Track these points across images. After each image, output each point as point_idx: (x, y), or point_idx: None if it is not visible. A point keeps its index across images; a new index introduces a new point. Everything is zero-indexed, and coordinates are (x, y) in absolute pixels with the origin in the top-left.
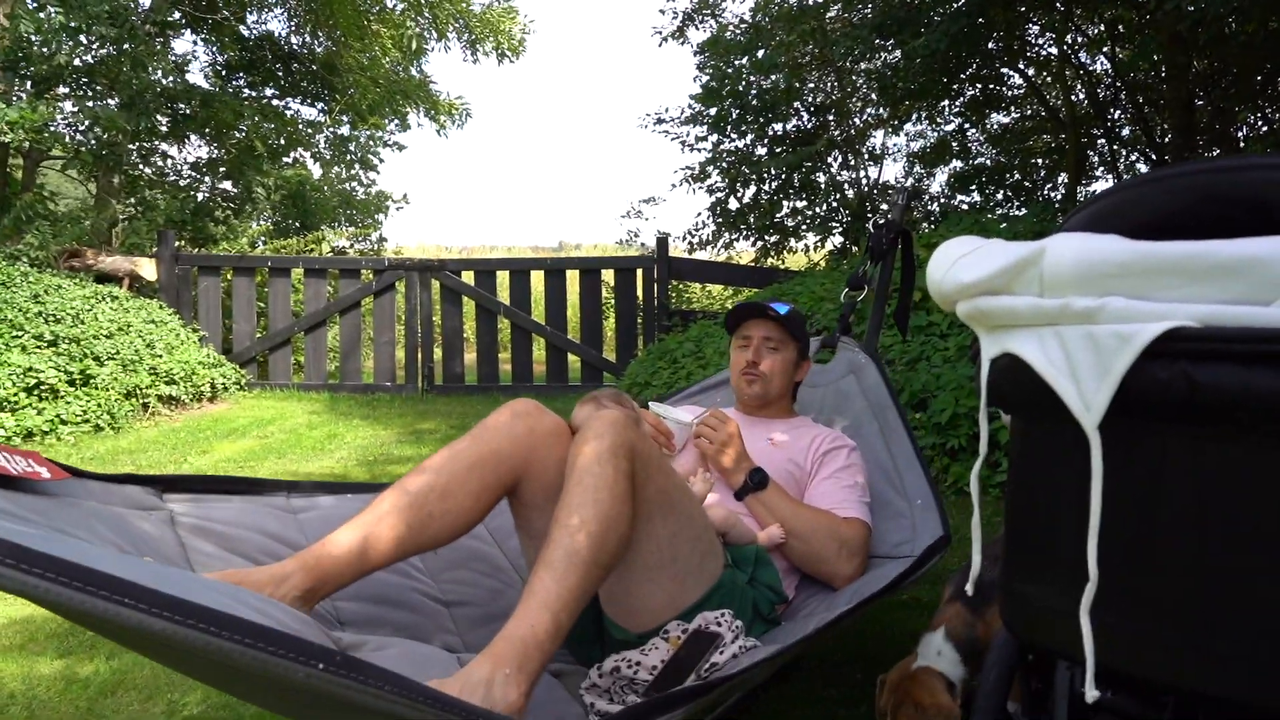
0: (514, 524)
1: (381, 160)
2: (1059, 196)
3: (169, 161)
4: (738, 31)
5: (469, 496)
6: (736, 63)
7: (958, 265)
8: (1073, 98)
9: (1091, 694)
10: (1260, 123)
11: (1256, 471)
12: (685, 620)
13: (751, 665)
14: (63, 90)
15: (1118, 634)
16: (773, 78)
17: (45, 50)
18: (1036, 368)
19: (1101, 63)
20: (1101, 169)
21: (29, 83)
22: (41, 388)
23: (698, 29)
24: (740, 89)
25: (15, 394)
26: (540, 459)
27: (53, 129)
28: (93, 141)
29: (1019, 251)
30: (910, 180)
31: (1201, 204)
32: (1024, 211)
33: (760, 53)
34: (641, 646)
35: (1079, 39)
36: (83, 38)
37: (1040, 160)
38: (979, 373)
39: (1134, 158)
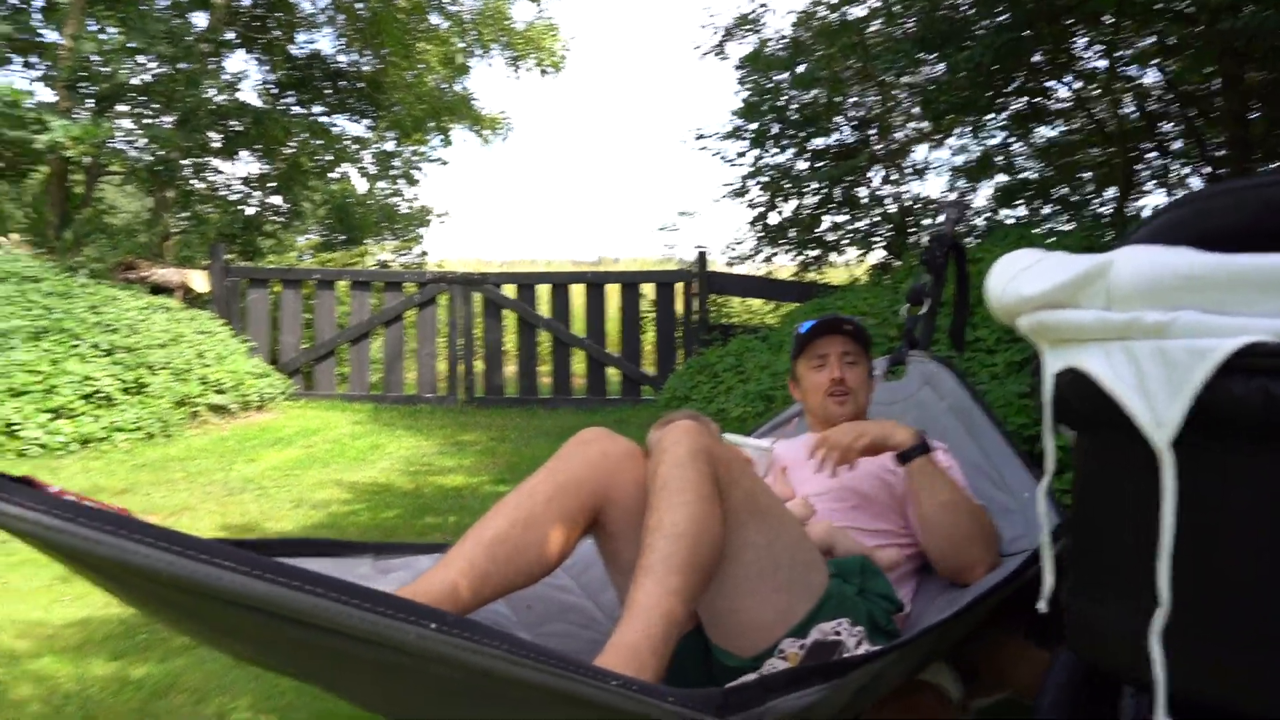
0: (603, 564)
1: (424, 175)
2: (1107, 211)
3: (220, 176)
4: (778, 46)
5: (552, 526)
6: (777, 78)
7: (1019, 278)
8: (1121, 111)
9: None
10: None
11: None
12: (799, 636)
13: (890, 647)
14: (121, 108)
15: (1188, 659)
16: (813, 92)
17: (105, 69)
18: (1104, 383)
19: (1152, 75)
20: (1152, 183)
21: (90, 100)
22: (98, 395)
23: (738, 44)
24: (780, 104)
25: (73, 401)
26: (619, 483)
27: (111, 145)
28: (149, 157)
29: (1084, 264)
30: (954, 193)
31: (1273, 216)
32: (1071, 226)
33: (801, 67)
34: (758, 669)
35: (1128, 51)
36: (141, 57)
37: (1088, 174)
38: (1042, 389)
39: (1185, 171)
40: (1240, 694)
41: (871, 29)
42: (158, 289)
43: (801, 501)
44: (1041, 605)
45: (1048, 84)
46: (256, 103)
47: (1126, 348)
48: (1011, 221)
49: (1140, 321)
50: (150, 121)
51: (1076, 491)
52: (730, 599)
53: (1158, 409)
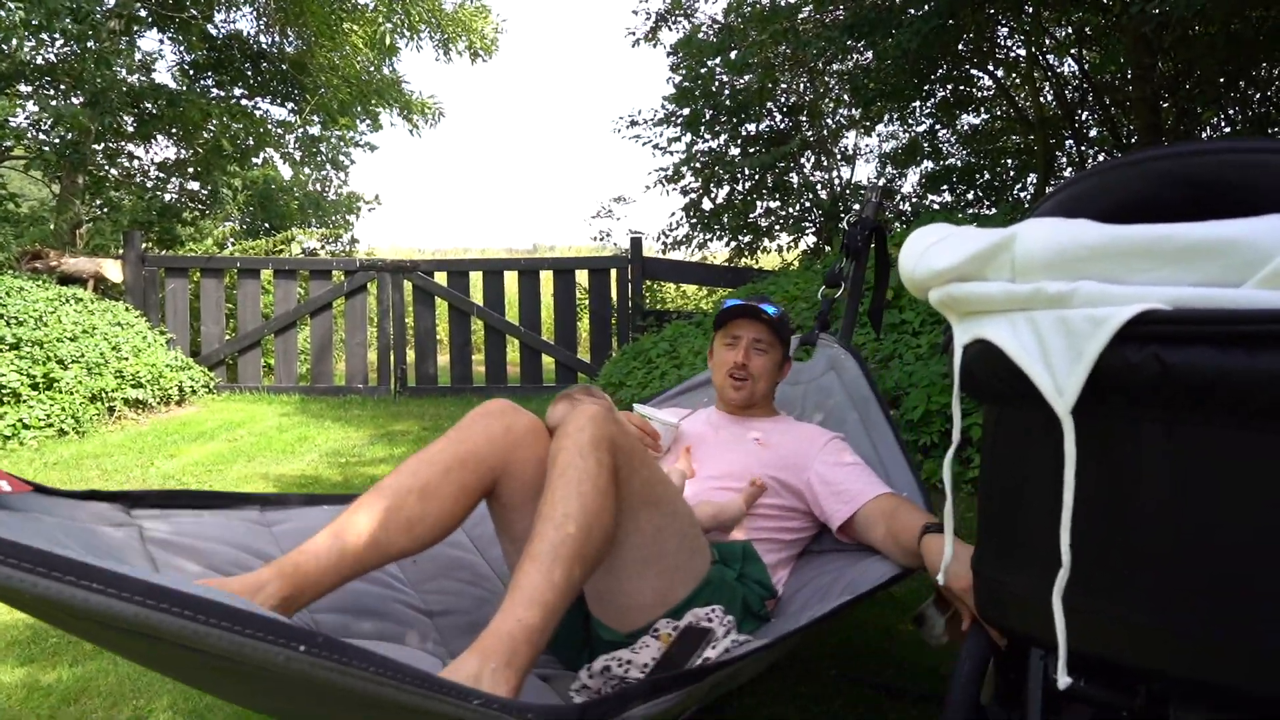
0: (494, 529)
1: (352, 161)
2: (1028, 196)
3: (135, 162)
4: (710, 32)
5: (448, 499)
6: (709, 63)
7: (930, 252)
8: (1041, 99)
9: (1064, 680)
10: (1224, 123)
11: (1229, 454)
12: (675, 617)
13: (748, 653)
14: (24, 89)
15: (1091, 619)
16: (745, 78)
17: (4, 47)
18: (1009, 353)
19: (1069, 65)
20: (1070, 169)
21: None
22: (3, 391)
23: (670, 30)
24: (713, 89)
25: None
26: (518, 459)
27: (14, 126)
28: (55, 141)
29: (991, 237)
30: (882, 180)
31: (1171, 188)
32: (994, 211)
33: (733, 53)
34: (632, 645)
35: (1047, 41)
36: (44, 35)
37: (1010, 160)
38: (952, 360)
39: (1101, 158)
40: (1139, 652)
41: (802, 15)
42: (68, 279)
43: (679, 471)
44: (939, 577)
45: (972, 72)
46: (172, 84)
47: (1030, 318)
48: (937, 206)
49: (1043, 292)
50: (56, 103)
51: (984, 461)
52: (614, 579)
53: (1059, 377)
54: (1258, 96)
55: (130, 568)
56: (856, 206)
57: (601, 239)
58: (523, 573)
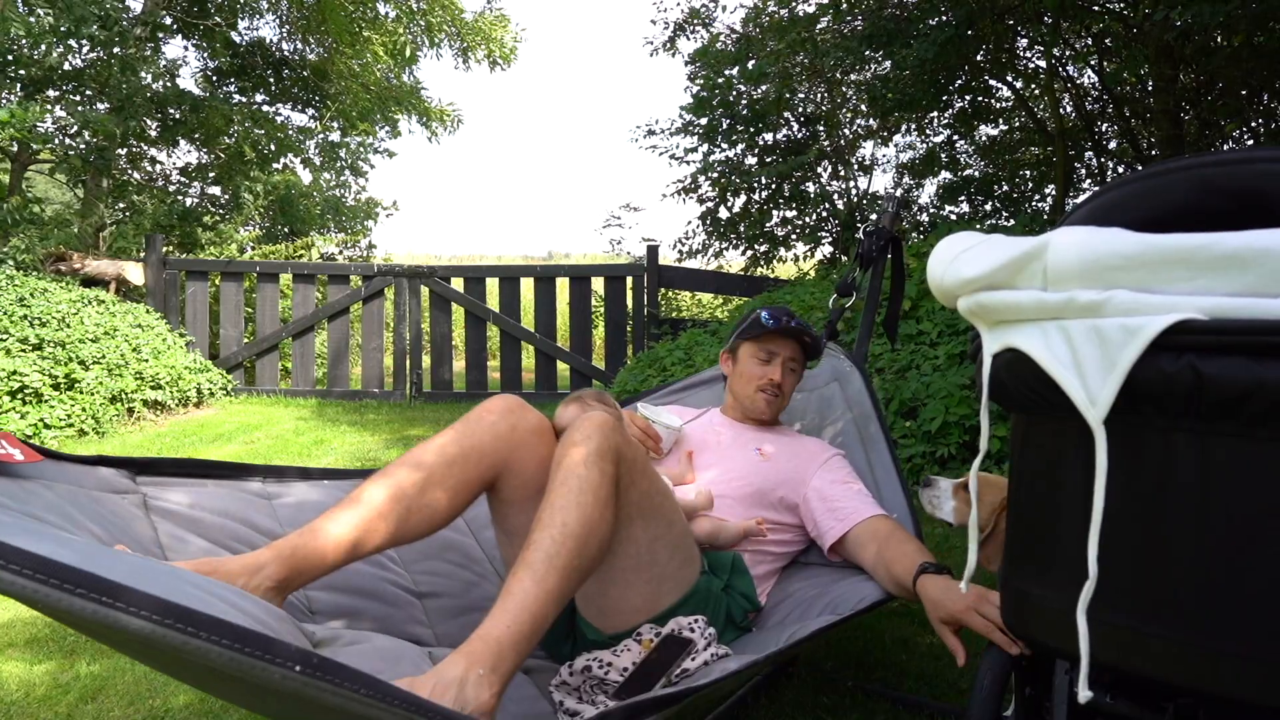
0: (490, 518)
1: (372, 167)
2: (1047, 208)
3: (158, 166)
4: (728, 42)
5: (448, 491)
6: (727, 73)
7: (959, 260)
8: (1060, 110)
9: (1085, 694)
10: (1246, 135)
11: (1264, 466)
12: (659, 624)
13: (722, 677)
14: (52, 94)
15: (1120, 632)
16: (763, 88)
17: (34, 53)
18: (1040, 362)
19: (1089, 76)
20: (1089, 181)
21: (18, 85)
22: (25, 391)
23: (689, 39)
24: (730, 99)
25: None
26: (521, 457)
27: (41, 130)
28: (81, 145)
29: (1022, 245)
30: (900, 190)
31: (1204, 197)
32: (1012, 223)
33: (750, 63)
34: (614, 647)
35: (1067, 52)
36: (72, 41)
37: (1028, 172)
38: (980, 369)
39: (1121, 170)
40: (1168, 667)
41: (820, 25)
42: (91, 281)
43: (708, 494)
44: (963, 585)
45: (991, 83)
46: (196, 90)
47: (1062, 327)
48: (954, 217)
49: (1075, 301)
50: (83, 108)
51: (1013, 472)
52: (604, 583)
53: (1091, 387)
54: None
55: (133, 546)
56: (874, 216)
57: (614, 247)
58: (516, 580)
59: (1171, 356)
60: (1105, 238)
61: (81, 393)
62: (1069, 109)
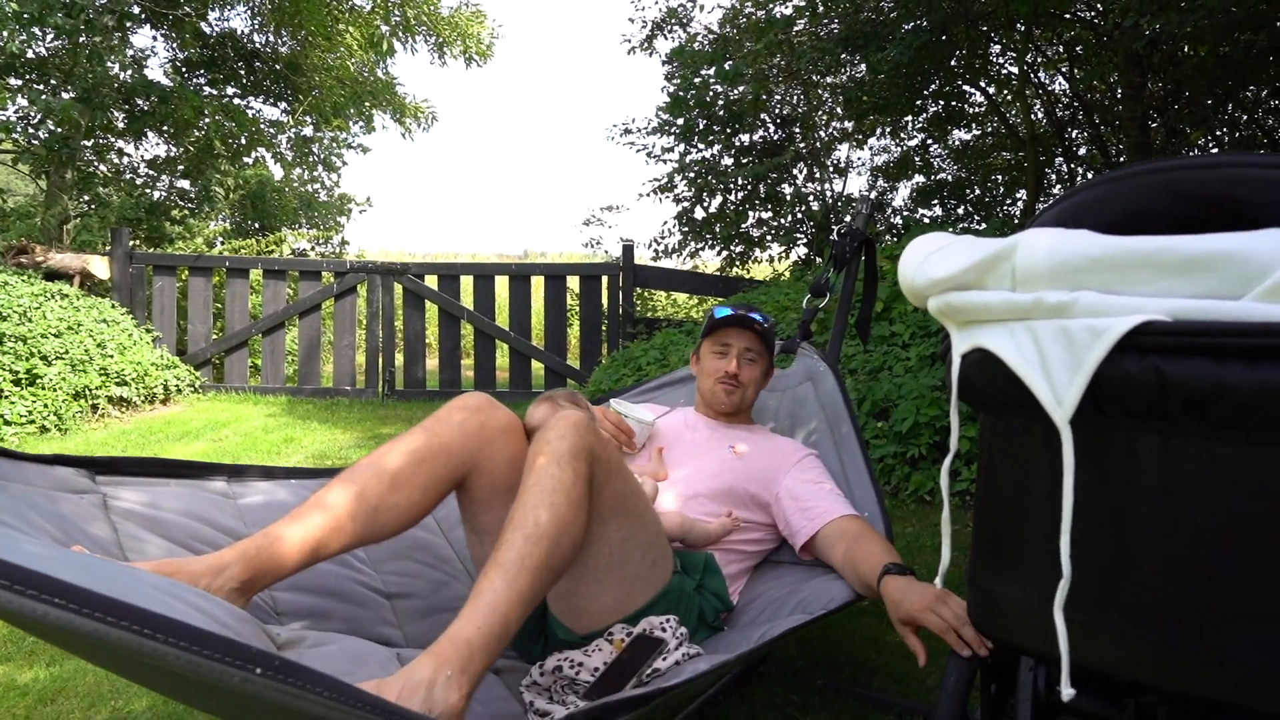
0: (460, 517)
1: (345, 163)
2: (1018, 212)
3: (125, 159)
4: (705, 42)
5: (417, 490)
6: (704, 73)
7: (930, 260)
8: (1032, 116)
9: (1068, 692)
10: (1211, 144)
11: (1226, 466)
12: (630, 624)
13: (693, 677)
14: (15, 82)
15: (1082, 630)
16: (740, 89)
17: None
18: (1008, 362)
19: (1060, 82)
20: (1059, 186)
21: None
22: None
23: (666, 39)
24: (707, 99)
25: None
26: (491, 455)
27: (3, 119)
28: (45, 135)
29: (992, 246)
30: (874, 192)
31: (1170, 201)
32: (984, 226)
33: (727, 63)
34: (585, 647)
35: (1038, 59)
36: (36, 29)
37: (1000, 176)
38: (950, 368)
39: (1090, 175)
40: (1130, 664)
41: (797, 28)
42: (54, 275)
43: (651, 481)
44: (937, 582)
45: (964, 88)
46: (165, 81)
47: (1030, 327)
48: (928, 220)
49: (1043, 302)
50: (46, 97)
51: (981, 471)
52: (576, 583)
53: (1058, 387)
54: (1244, 119)
55: (92, 548)
56: (848, 218)
57: (592, 246)
58: (486, 580)
59: (1136, 357)
60: (1073, 240)
61: (44, 389)
62: (1040, 115)
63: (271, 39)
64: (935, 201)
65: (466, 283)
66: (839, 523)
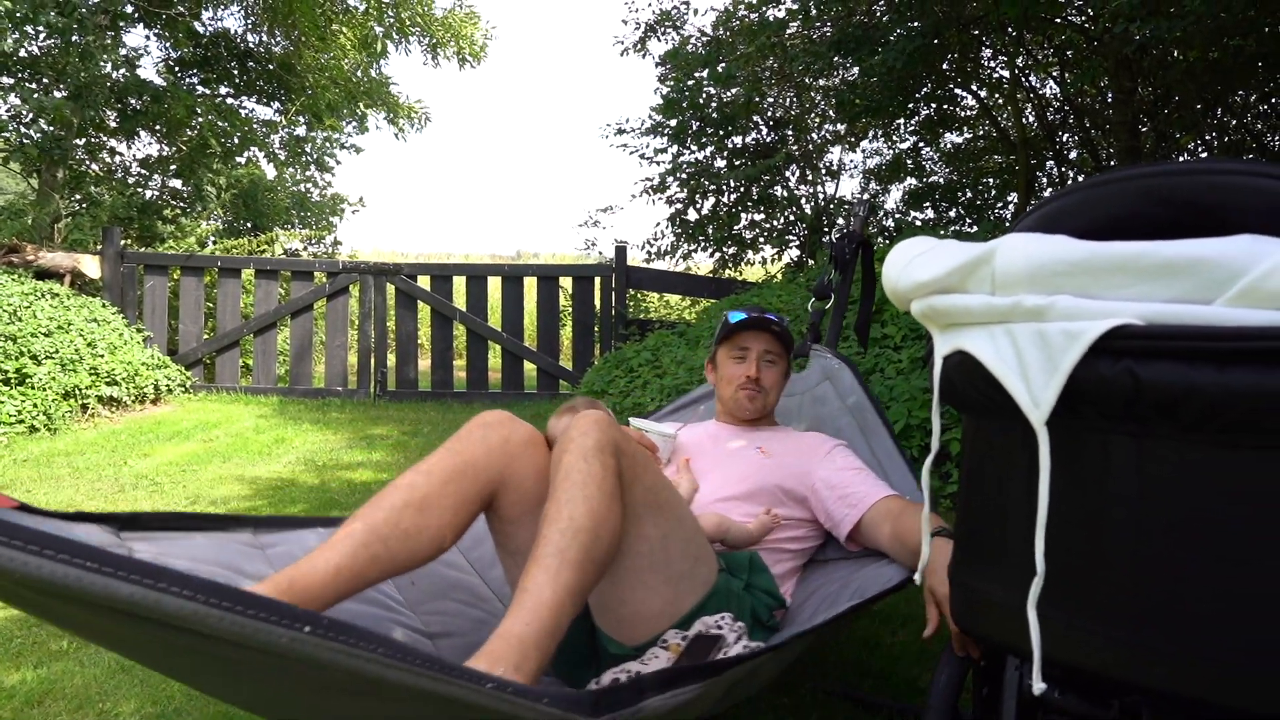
0: (494, 544)
1: (338, 162)
2: (1009, 215)
3: (117, 158)
4: (699, 44)
5: (447, 511)
6: (697, 75)
7: (913, 264)
8: (1023, 120)
9: (1039, 687)
10: (1201, 148)
11: (1197, 468)
12: (683, 628)
13: (766, 648)
14: (7, 81)
15: (1063, 629)
16: (732, 91)
17: None
18: (988, 365)
19: (1051, 86)
20: (1050, 189)
21: None
22: None
23: (659, 41)
24: (700, 101)
25: None
26: (516, 470)
27: None
28: (36, 134)
29: (972, 251)
30: (866, 195)
31: (1149, 206)
32: (975, 229)
33: (720, 65)
34: (640, 657)
35: (1029, 63)
36: (29, 27)
37: (991, 180)
38: (932, 370)
39: (1081, 179)
40: (1111, 662)
41: (790, 30)
42: (45, 274)
43: (687, 480)
44: (916, 577)
45: (956, 92)
46: (157, 81)
47: (1009, 330)
48: (919, 223)
49: (1021, 305)
50: (39, 96)
51: (963, 471)
52: (620, 589)
53: (1035, 389)
54: (1233, 123)
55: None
56: (840, 221)
57: (588, 247)
58: (529, 577)
59: (1110, 360)
60: (1051, 244)
61: (33, 388)
62: (1031, 119)
63: (265, 39)
64: (927, 204)
65: (459, 283)
66: (881, 504)
